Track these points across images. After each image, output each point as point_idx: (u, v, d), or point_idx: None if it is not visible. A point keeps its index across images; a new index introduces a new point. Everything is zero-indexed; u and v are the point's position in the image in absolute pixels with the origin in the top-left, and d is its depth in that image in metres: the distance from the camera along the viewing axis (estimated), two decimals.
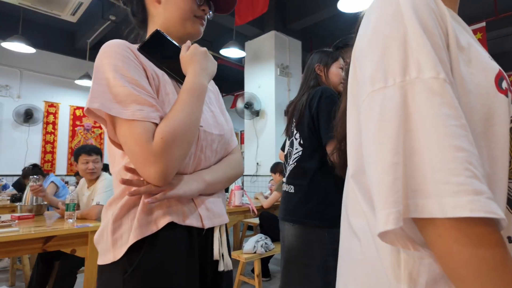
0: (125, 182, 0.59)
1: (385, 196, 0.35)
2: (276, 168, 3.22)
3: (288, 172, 1.35)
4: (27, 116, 5.67)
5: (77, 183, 2.64)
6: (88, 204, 2.30)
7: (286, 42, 5.29)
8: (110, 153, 0.69)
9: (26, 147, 5.75)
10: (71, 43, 6.24)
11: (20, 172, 5.07)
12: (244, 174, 5.48)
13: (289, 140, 1.42)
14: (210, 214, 0.69)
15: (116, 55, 0.61)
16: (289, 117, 1.44)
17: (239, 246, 3.97)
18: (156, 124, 0.59)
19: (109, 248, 0.62)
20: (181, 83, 0.69)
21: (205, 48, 0.72)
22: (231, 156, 0.79)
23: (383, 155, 0.36)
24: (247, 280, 2.56)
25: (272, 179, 3.96)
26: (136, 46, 0.68)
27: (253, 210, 2.76)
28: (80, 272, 2.19)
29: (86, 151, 2.24)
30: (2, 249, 1.54)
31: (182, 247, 0.64)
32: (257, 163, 5.24)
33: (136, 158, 0.57)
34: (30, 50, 4.59)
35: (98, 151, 2.31)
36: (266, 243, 2.50)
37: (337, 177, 1.23)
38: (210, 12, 0.79)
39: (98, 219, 2.09)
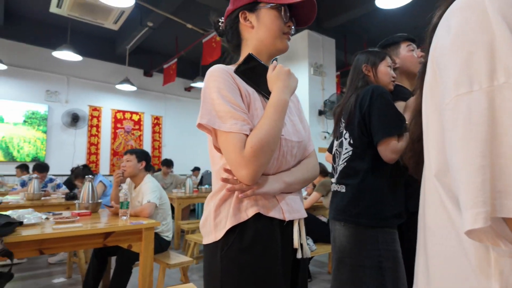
0: (224, 180, 0.75)
1: (473, 196, 0.36)
2: None
3: (338, 172, 1.35)
4: (74, 119, 6.05)
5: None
6: (133, 204, 2.42)
7: (320, 40, 5.24)
8: (211, 155, 0.84)
9: (73, 149, 6.15)
10: (112, 49, 6.58)
11: (67, 172, 5.44)
12: None
13: (337, 141, 1.42)
14: (290, 208, 0.80)
15: (218, 79, 0.76)
16: (336, 118, 1.44)
17: None
18: (247, 135, 0.73)
19: (212, 230, 0.77)
20: (268, 99, 0.80)
21: (288, 68, 0.83)
22: (308, 160, 0.89)
23: (471, 158, 0.37)
24: None
25: None
26: (233, 68, 0.83)
27: None
28: (134, 266, 2.31)
29: (124, 153, 2.49)
30: (69, 243, 1.67)
31: (267, 234, 0.76)
32: None
33: (231, 162, 0.72)
34: (77, 58, 4.90)
35: (132, 152, 2.47)
36: (308, 244, 2.49)
37: (389, 177, 1.21)
38: (293, 27, 0.89)
39: (150, 216, 2.20)
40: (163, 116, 7.37)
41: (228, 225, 0.74)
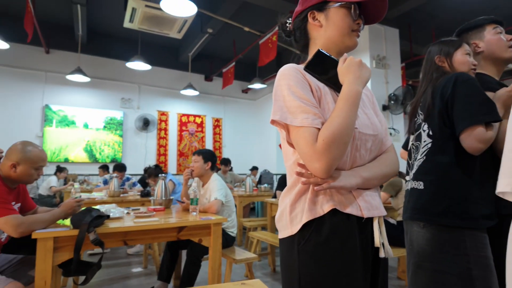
0: (299, 174, 0.75)
1: None
2: None
3: (415, 167, 1.25)
4: (145, 124, 6.63)
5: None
6: (201, 201, 2.56)
7: (382, 31, 4.95)
8: (284, 151, 0.86)
9: (145, 151, 6.73)
10: (175, 57, 7.06)
11: (140, 172, 5.97)
12: None
13: (413, 135, 1.32)
14: (368, 205, 0.78)
15: (289, 77, 0.78)
16: (411, 113, 1.34)
17: None
18: (319, 129, 0.73)
19: (288, 225, 0.78)
20: (339, 92, 0.79)
21: (359, 59, 0.80)
22: (386, 155, 0.85)
23: None
24: None
25: None
26: (302, 66, 0.84)
27: None
28: (203, 260, 2.44)
29: (193, 153, 2.63)
30: (148, 236, 1.83)
31: (344, 230, 0.75)
32: None
33: (304, 156, 0.72)
34: (147, 67, 5.35)
35: (199, 153, 2.60)
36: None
37: (477, 172, 1.08)
38: (362, 24, 0.86)
39: (217, 212, 2.30)
40: (222, 118, 7.68)
41: (304, 220, 0.74)
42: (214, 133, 7.52)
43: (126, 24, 5.00)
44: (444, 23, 5.54)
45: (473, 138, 1.02)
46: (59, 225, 1.70)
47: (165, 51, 6.91)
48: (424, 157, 1.19)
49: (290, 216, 0.78)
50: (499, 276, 1.04)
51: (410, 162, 1.31)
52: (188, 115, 7.23)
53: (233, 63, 6.16)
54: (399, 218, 2.75)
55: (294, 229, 0.76)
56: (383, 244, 0.78)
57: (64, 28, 5.97)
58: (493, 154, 1.12)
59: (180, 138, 7.08)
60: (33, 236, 1.49)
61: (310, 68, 0.83)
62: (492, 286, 1.00)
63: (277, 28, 5.19)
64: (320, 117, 0.74)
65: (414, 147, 1.28)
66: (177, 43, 6.57)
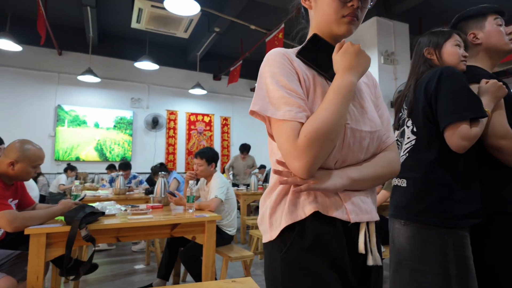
0: (276, 172, 0.69)
1: None
2: None
3: None
4: (154, 123, 6.72)
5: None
6: (206, 198, 2.58)
7: (391, 27, 4.83)
8: (270, 146, 0.79)
9: (154, 149, 6.83)
10: (184, 57, 7.11)
11: (149, 170, 6.06)
12: None
13: (398, 130, 1.28)
14: (357, 209, 0.70)
15: (274, 63, 0.70)
16: (397, 108, 1.30)
17: None
18: (303, 123, 0.65)
19: (267, 229, 0.73)
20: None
21: (358, 45, 0.71)
22: (384, 154, 0.76)
23: None
24: None
25: None
26: (295, 51, 0.76)
27: None
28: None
29: (195, 155, 2.63)
30: (141, 232, 1.84)
31: (328, 236, 0.67)
32: None
33: (284, 153, 0.65)
34: (155, 66, 5.42)
35: (202, 156, 2.59)
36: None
37: (461, 170, 1.04)
38: (359, 7, 0.72)
39: (215, 210, 2.31)
40: (231, 116, 7.69)
41: (283, 224, 0.68)
42: (223, 132, 7.54)
43: (134, 24, 5.08)
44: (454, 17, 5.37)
45: (457, 136, 0.99)
46: (56, 221, 1.74)
47: (173, 51, 6.98)
48: (407, 154, 1.16)
49: (270, 220, 0.72)
50: (478, 276, 1.00)
51: None
52: (196, 114, 7.28)
53: (240, 62, 6.15)
54: None
55: (273, 234, 0.70)
56: (372, 251, 0.70)
57: (76, 30, 6.12)
58: (480, 150, 1.08)
59: (189, 137, 7.15)
60: (26, 232, 1.53)
61: (303, 55, 0.74)
62: (470, 286, 0.97)
63: (283, 25, 5.14)
64: (305, 110, 0.66)
65: (398, 143, 1.24)
66: (185, 42, 6.63)
